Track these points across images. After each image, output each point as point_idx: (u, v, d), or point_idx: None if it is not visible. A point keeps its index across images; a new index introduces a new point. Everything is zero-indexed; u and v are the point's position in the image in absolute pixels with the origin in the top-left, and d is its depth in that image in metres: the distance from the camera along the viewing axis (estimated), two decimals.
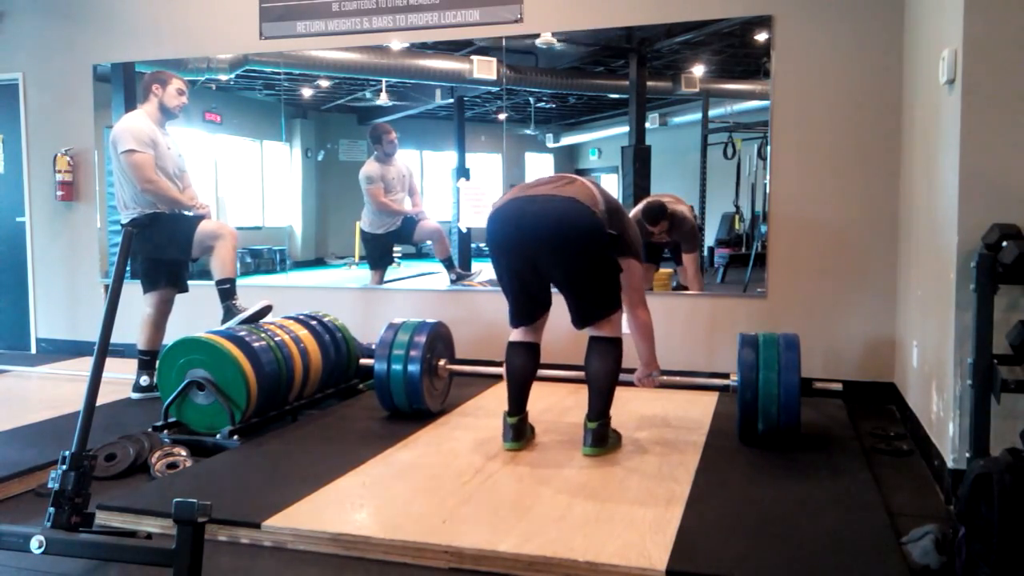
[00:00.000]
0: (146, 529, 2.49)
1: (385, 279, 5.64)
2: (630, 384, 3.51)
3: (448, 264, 5.49)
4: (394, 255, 5.81)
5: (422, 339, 3.68)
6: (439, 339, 3.86)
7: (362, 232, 5.67)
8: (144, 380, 4.29)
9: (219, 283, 4.16)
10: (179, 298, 4.53)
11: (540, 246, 3.04)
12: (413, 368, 3.64)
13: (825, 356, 4.28)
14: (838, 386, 3.70)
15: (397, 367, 3.65)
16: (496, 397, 3.84)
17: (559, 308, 3.31)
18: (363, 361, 4.16)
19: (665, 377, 3.56)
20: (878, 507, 2.61)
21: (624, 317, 3.26)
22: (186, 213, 4.21)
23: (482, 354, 4.45)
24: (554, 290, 3.25)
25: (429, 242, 5.66)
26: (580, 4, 4.64)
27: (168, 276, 4.36)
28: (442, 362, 3.83)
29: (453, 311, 4.90)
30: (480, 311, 4.91)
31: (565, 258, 3.06)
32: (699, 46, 4.89)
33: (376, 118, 6.77)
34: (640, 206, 4.69)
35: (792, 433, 3.24)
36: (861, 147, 4.21)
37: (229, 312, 4.13)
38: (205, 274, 6.78)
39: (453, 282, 5.41)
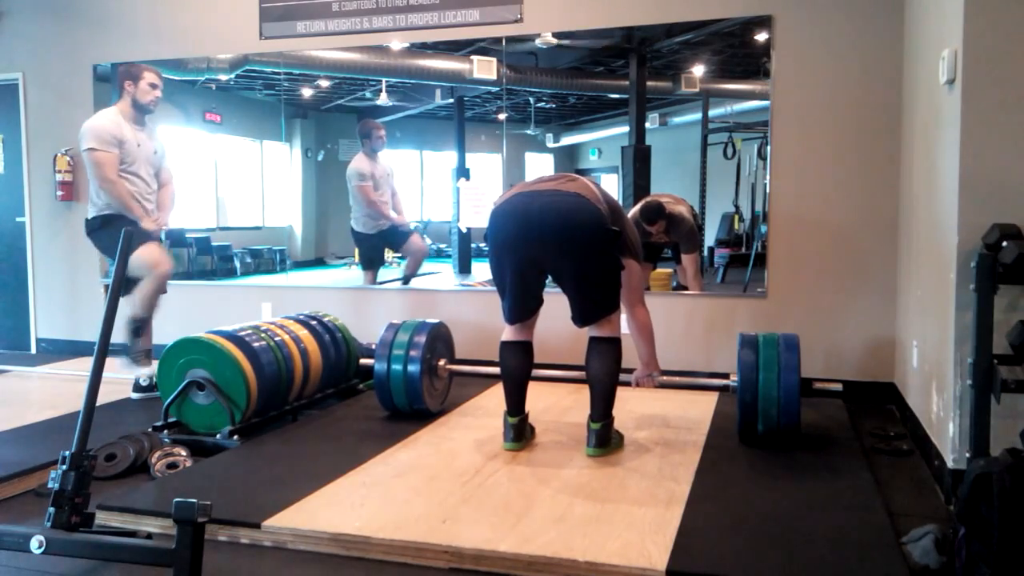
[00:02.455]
0: (146, 529, 2.49)
1: (380, 280, 5.62)
2: (630, 384, 3.51)
3: (406, 280, 5.50)
4: (387, 256, 5.79)
5: (422, 339, 3.69)
6: (439, 339, 3.86)
7: (353, 232, 5.64)
8: (144, 380, 4.28)
9: (130, 320, 4.10)
10: (179, 298, 4.52)
11: (547, 242, 3.04)
12: (413, 368, 3.64)
13: (825, 356, 4.29)
14: (838, 386, 3.70)
15: (397, 367, 3.65)
16: (496, 397, 3.84)
17: (557, 308, 3.31)
18: (363, 361, 4.16)
19: (665, 377, 3.56)
20: (878, 507, 2.61)
21: (624, 317, 3.26)
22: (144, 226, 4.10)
23: (482, 354, 4.45)
24: (548, 290, 3.25)
25: (407, 254, 5.62)
26: (580, 4, 4.64)
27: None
28: (442, 362, 3.83)
29: (453, 311, 4.90)
30: (480, 311, 4.91)
31: (573, 254, 3.05)
32: (699, 46, 4.89)
33: (376, 118, 6.76)
34: (638, 206, 4.70)
35: (792, 433, 3.24)
36: (861, 147, 4.21)
37: (130, 353, 4.10)
38: (205, 275, 6.79)
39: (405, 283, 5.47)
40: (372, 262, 5.60)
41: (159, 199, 4.37)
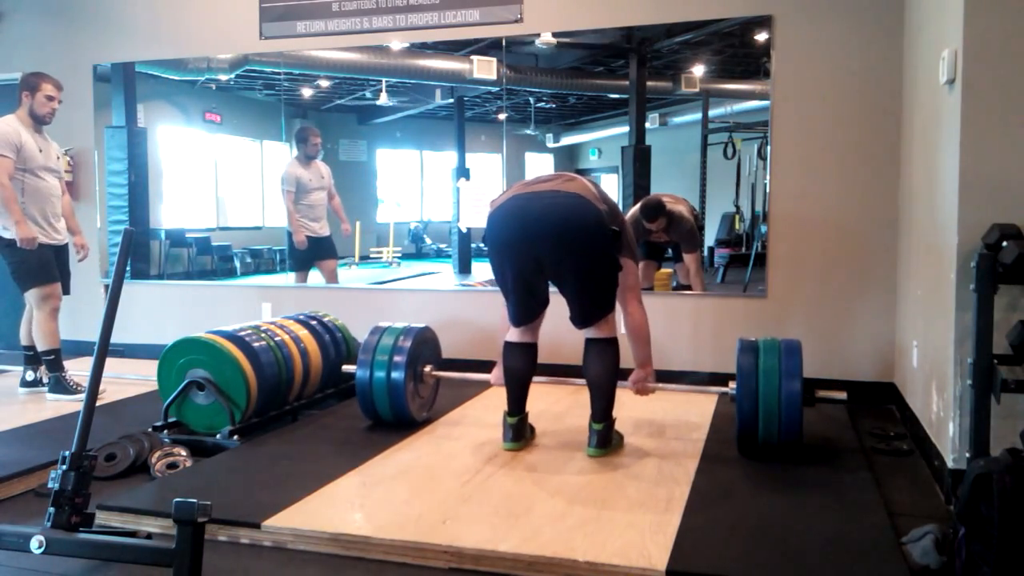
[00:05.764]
0: (146, 529, 2.49)
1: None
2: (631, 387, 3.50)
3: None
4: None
5: (407, 344, 3.52)
6: (424, 344, 3.69)
7: (287, 233, 5.62)
8: (30, 375, 4.36)
9: (43, 354, 4.18)
10: (178, 298, 4.52)
11: (547, 242, 3.01)
12: (397, 375, 3.46)
13: (825, 356, 4.28)
14: (842, 395, 3.46)
15: (380, 374, 3.48)
16: (495, 397, 3.84)
17: (556, 308, 3.31)
18: None
19: (662, 385, 3.46)
20: (878, 507, 2.61)
21: (620, 318, 3.24)
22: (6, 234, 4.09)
23: (483, 354, 4.44)
24: (552, 289, 3.24)
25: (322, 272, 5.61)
26: (580, 4, 4.64)
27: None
28: (428, 368, 3.70)
29: (453, 311, 4.90)
30: (480, 311, 4.90)
31: (573, 255, 3.03)
32: (699, 46, 4.89)
33: (376, 118, 6.77)
34: (638, 204, 4.70)
35: (793, 446, 3.13)
36: (861, 147, 4.21)
37: (59, 384, 4.15)
38: (205, 275, 6.78)
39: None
40: (300, 264, 5.60)
41: (64, 210, 4.40)
